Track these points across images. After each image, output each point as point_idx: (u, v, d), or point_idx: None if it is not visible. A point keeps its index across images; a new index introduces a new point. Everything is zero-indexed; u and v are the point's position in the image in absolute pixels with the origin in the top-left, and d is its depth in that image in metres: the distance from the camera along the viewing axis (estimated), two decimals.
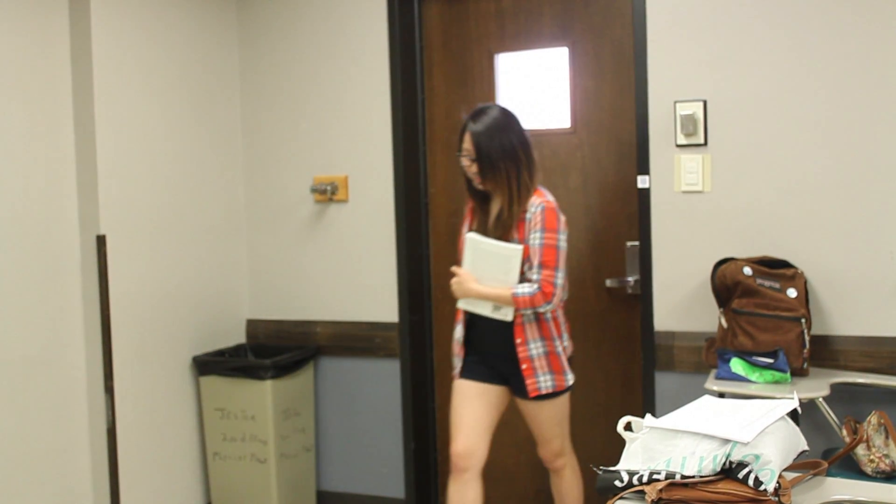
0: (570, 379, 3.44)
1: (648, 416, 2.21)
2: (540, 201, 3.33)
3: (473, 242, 3.36)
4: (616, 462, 2.15)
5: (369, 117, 4.32)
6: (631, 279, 3.97)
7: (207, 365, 4.30)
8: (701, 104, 3.70)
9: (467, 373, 3.50)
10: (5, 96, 3.63)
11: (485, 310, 3.37)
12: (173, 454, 4.25)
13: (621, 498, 2.00)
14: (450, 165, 4.29)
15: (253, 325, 4.64)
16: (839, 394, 3.38)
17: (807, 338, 3.35)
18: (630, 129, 3.93)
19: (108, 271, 3.90)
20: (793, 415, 2.21)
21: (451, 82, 4.32)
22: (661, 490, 1.93)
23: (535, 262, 3.27)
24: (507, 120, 3.38)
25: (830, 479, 2.14)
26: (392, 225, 4.30)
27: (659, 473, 1.99)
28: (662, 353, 3.81)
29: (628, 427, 2.20)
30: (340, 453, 4.50)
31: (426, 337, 4.36)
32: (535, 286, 3.26)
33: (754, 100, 3.64)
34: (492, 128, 3.34)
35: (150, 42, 4.14)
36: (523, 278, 3.31)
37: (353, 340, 4.39)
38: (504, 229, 3.34)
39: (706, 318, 3.68)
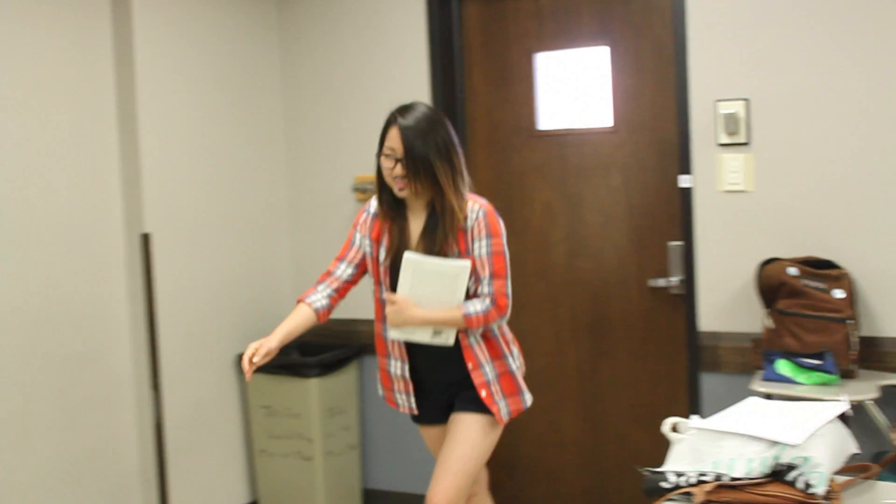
0: (528, 399, 3.09)
1: (695, 417, 2.21)
2: (479, 206, 2.96)
3: (415, 264, 2.90)
4: (661, 463, 2.15)
5: None
6: (674, 279, 3.95)
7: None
8: (743, 103, 3.68)
9: (423, 418, 3.16)
10: (50, 98, 3.69)
11: (423, 336, 2.95)
12: (220, 451, 4.30)
13: (668, 500, 2.00)
14: (492, 164, 4.30)
15: None
16: (889, 396, 3.35)
17: (854, 339, 3.32)
18: (671, 128, 3.91)
19: (154, 269, 3.96)
20: (841, 417, 2.19)
21: (491, 81, 4.32)
22: (709, 492, 1.92)
23: (486, 273, 2.92)
24: (438, 116, 2.99)
25: (881, 483, 2.12)
26: None
27: (706, 475, 1.98)
28: (707, 353, 3.79)
29: (674, 428, 2.20)
30: (385, 451, 4.52)
31: None
32: (488, 301, 2.91)
33: (799, 98, 3.61)
34: (423, 123, 2.93)
35: (192, 43, 4.19)
36: (468, 294, 2.94)
37: None
38: (440, 242, 2.92)
39: (751, 318, 3.65)
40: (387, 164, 2.95)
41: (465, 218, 2.93)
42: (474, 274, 2.92)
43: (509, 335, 3.09)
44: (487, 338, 3.00)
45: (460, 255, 2.92)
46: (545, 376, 4.25)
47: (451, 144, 2.96)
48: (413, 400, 3.10)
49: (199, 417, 4.17)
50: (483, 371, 2.97)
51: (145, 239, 3.93)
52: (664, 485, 2.03)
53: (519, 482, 4.36)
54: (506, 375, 3.02)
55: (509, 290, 2.95)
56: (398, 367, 3.07)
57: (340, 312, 4.52)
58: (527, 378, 4.25)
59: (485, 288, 2.92)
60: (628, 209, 4.08)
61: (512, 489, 4.39)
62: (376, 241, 3.06)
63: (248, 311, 4.47)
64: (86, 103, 3.83)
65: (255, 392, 4.35)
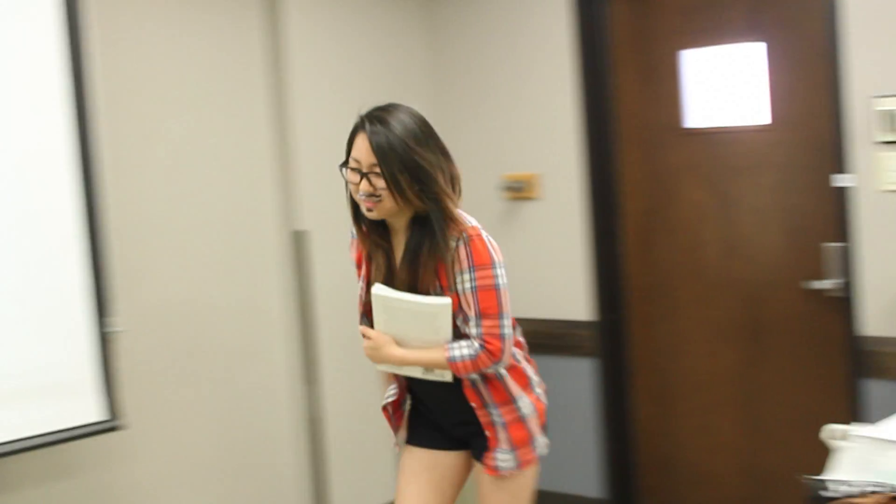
0: (541, 445, 2.64)
1: (860, 425, 2.16)
2: (461, 231, 2.46)
3: (383, 301, 2.52)
4: (822, 470, 2.11)
5: (558, 115, 4.34)
6: (829, 281, 3.84)
7: None
8: None
9: (415, 437, 2.75)
10: (208, 99, 3.85)
11: (414, 371, 2.60)
12: (375, 444, 4.38)
13: None
14: (642, 163, 4.27)
15: None
16: None
17: None
18: (827, 125, 3.80)
19: (310, 266, 4.08)
20: None
21: (639, 79, 4.28)
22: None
23: (472, 313, 2.46)
24: (418, 120, 2.50)
25: None
26: (584, 223, 4.31)
27: (879, 486, 1.93)
28: (869, 359, 3.66)
29: (836, 435, 2.16)
30: None
31: (622, 336, 4.36)
32: (477, 344, 2.46)
33: None
34: (400, 129, 2.44)
35: (343, 43, 4.30)
36: (459, 332, 2.52)
37: (548, 338, 4.41)
38: (422, 275, 2.48)
39: None
40: (352, 178, 2.49)
41: (447, 246, 2.45)
42: (461, 312, 2.49)
43: (524, 364, 2.64)
44: (490, 379, 2.55)
45: (443, 291, 2.47)
46: (697, 378, 4.20)
47: (440, 155, 2.50)
48: (404, 434, 2.76)
49: (354, 410, 4.27)
50: (489, 411, 2.56)
51: (298, 236, 4.06)
52: (827, 494, 1.99)
53: (674, 485, 4.32)
54: (514, 424, 2.57)
55: (505, 331, 2.47)
56: (392, 391, 2.76)
57: None
58: (678, 379, 4.24)
59: (472, 329, 2.47)
60: (782, 209, 3.98)
61: (667, 492, 4.35)
62: (358, 266, 2.71)
63: None
64: (241, 102, 3.97)
65: None
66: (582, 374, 4.35)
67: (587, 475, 4.39)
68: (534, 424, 2.59)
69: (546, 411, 2.67)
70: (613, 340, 4.33)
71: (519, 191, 4.45)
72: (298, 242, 4.07)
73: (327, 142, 4.20)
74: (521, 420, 2.57)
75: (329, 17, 4.24)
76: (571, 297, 4.35)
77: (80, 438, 3.10)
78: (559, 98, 4.34)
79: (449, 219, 2.45)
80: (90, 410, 3.10)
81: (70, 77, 3.04)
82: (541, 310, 4.43)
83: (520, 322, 4.43)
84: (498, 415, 2.55)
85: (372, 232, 2.58)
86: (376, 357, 2.60)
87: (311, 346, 4.10)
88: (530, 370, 2.65)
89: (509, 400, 2.56)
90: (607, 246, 4.31)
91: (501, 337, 2.46)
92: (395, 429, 2.77)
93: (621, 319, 4.35)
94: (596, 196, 4.29)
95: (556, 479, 4.46)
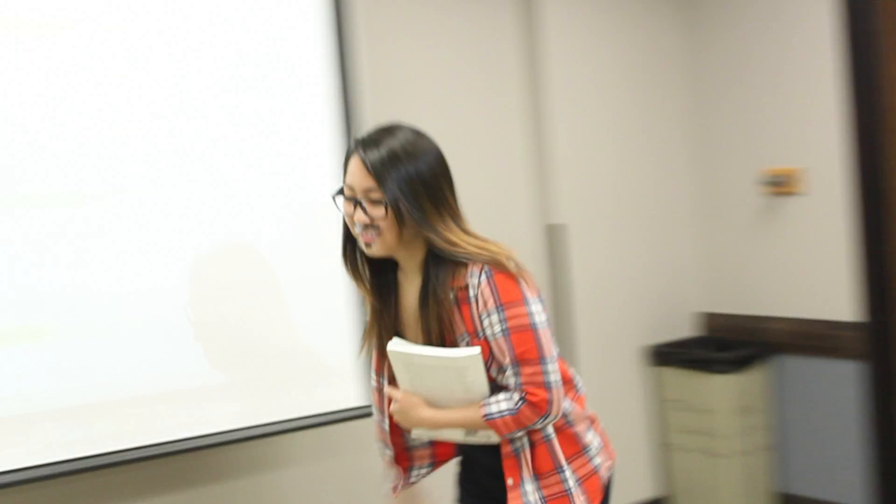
0: None
1: None
2: (482, 266, 2.03)
3: (402, 358, 2.13)
4: None
5: (822, 106, 4.15)
6: None
7: (664, 356, 4.41)
8: None
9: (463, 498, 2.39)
10: (465, 93, 3.96)
11: (455, 435, 2.19)
12: (628, 442, 4.39)
13: None
14: None
15: (702, 318, 4.66)
16: None
17: None
18: None
19: (568, 259, 4.16)
20: None
21: None
22: None
23: (507, 359, 2.03)
24: (423, 142, 2.11)
25: None
26: (849, 220, 4.10)
27: None
28: None
29: None
30: (798, 455, 4.38)
31: (893, 339, 4.11)
32: (517, 397, 2.02)
33: None
34: (396, 144, 2.05)
35: (599, 38, 4.33)
36: (497, 386, 2.10)
37: (810, 339, 4.24)
38: (438, 326, 2.08)
39: None
40: (346, 209, 2.11)
41: (467, 286, 2.05)
42: (495, 362, 2.08)
43: (577, 428, 2.17)
44: (539, 444, 2.11)
45: (470, 339, 2.07)
46: None
47: (444, 182, 2.12)
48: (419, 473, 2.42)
49: (612, 407, 4.27)
50: (523, 491, 2.10)
51: (554, 230, 4.12)
52: None
53: None
54: (559, 499, 2.10)
55: (550, 377, 2.02)
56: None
57: (748, 308, 4.47)
58: None
59: (510, 379, 2.04)
60: None
61: None
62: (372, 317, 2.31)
63: (652, 304, 4.52)
64: (498, 98, 4.06)
65: (663, 385, 4.42)
66: (846, 377, 4.14)
67: (851, 483, 4.18)
68: (580, 497, 2.13)
69: (605, 488, 2.23)
70: (883, 343, 4.10)
71: (780, 185, 4.30)
72: (554, 236, 4.13)
73: (583, 135, 4.26)
74: (566, 493, 2.11)
75: (585, 13, 4.27)
76: (836, 297, 4.16)
77: (343, 422, 3.29)
78: (823, 88, 4.15)
79: (447, 243, 2.06)
80: (351, 396, 3.29)
81: (337, 76, 3.22)
82: (802, 309, 4.27)
83: (779, 321, 4.34)
84: (538, 490, 2.10)
85: (380, 275, 2.21)
86: (405, 422, 2.19)
87: (567, 341, 4.14)
88: (590, 435, 2.22)
89: (554, 470, 2.12)
90: (876, 243, 4.08)
91: (546, 385, 2.01)
92: None
93: (893, 321, 4.10)
94: (864, 191, 4.07)
95: (818, 486, 4.29)
